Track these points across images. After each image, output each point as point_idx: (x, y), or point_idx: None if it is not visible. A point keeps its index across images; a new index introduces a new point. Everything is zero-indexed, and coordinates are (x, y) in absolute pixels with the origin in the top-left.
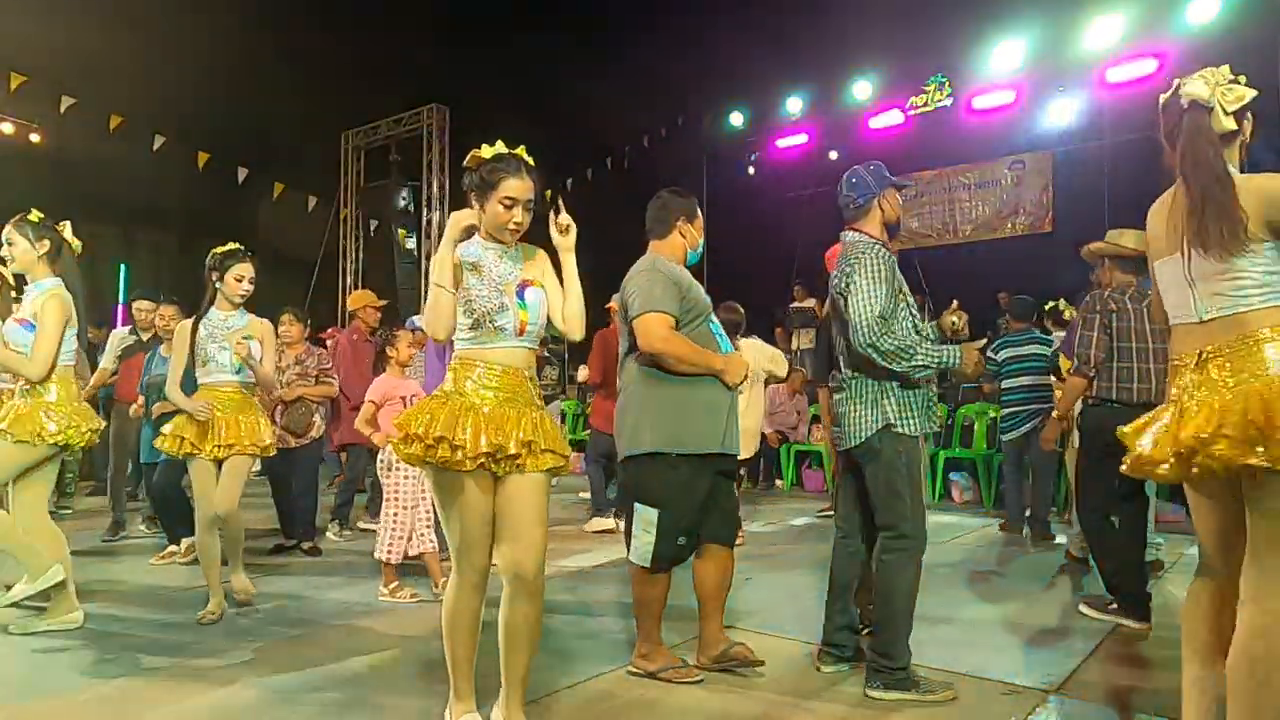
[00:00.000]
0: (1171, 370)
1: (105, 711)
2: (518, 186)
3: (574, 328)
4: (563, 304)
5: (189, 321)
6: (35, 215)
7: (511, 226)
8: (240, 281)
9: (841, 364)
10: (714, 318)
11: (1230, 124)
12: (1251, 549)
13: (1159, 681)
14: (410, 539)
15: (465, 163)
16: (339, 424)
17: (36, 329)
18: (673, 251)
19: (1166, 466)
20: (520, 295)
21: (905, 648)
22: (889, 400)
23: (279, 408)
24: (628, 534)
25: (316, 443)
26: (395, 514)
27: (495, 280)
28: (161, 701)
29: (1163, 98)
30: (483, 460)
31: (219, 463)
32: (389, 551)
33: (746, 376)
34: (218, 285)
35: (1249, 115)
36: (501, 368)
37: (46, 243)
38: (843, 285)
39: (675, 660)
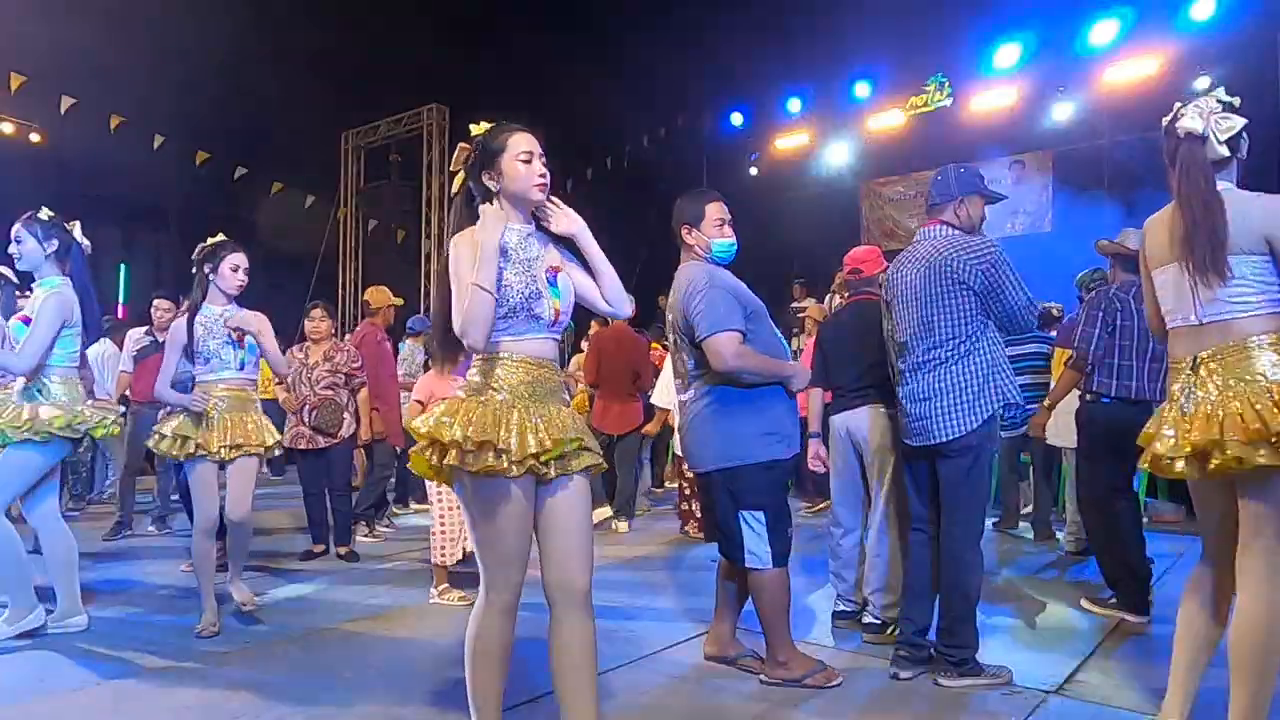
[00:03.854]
0: (1171, 371)
1: (105, 711)
2: (526, 139)
3: (621, 304)
4: (599, 286)
5: (183, 320)
6: (45, 214)
7: (538, 181)
8: (236, 271)
9: (921, 349)
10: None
11: (1224, 151)
12: (1245, 539)
13: (1159, 681)
14: (461, 540)
15: (455, 158)
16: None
17: (31, 324)
18: (697, 258)
19: (1182, 464)
20: (552, 281)
21: (976, 633)
22: (1005, 380)
23: (307, 408)
24: (729, 543)
25: (348, 441)
26: (441, 516)
27: (525, 264)
28: (161, 702)
29: (1165, 120)
30: (530, 464)
31: (222, 466)
32: (442, 553)
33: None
34: (211, 278)
35: (1243, 137)
36: (535, 360)
37: (55, 242)
38: (976, 278)
39: (815, 663)
